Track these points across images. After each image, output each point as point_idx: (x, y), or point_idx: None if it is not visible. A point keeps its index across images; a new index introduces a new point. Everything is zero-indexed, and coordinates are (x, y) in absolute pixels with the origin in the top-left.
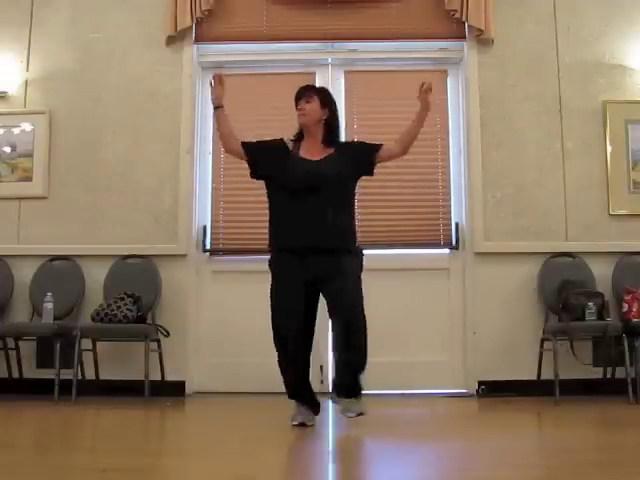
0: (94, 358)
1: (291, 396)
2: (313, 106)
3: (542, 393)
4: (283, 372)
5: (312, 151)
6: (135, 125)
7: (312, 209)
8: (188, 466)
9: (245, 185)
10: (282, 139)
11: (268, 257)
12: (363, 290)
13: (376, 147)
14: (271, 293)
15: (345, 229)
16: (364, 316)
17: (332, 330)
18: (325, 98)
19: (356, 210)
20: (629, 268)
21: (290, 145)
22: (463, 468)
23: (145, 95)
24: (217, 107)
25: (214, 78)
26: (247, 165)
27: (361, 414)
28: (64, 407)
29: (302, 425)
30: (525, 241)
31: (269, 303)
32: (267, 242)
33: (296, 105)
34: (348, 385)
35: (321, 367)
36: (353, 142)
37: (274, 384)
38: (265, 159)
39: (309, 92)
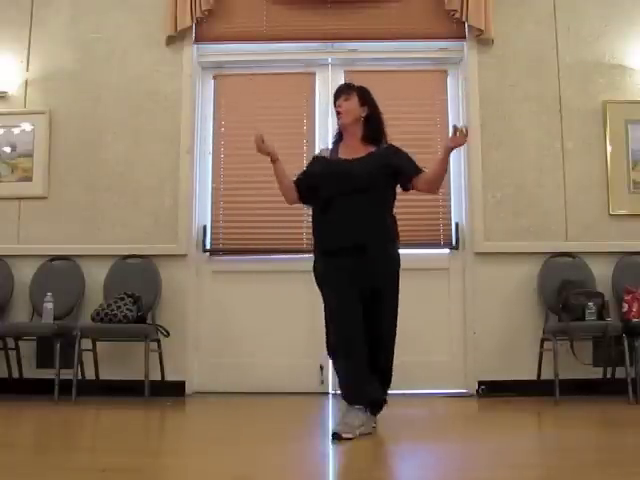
0: (94, 358)
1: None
2: (351, 104)
3: (542, 393)
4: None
5: (351, 150)
6: (135, 125)
7: (347, 211)
8: (188, 466)
9: (245, 185)
10: (315, 155)
11: (268, 256)
12: None
13: (416, 173)
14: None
15: (378, 228)
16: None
17: None
18: (364, 95)
19: None
20: (629, 268)
21: (326, 153)
22: (463, 468)
23: (145, 95)
24: (274, 161)
25: (255, 141)
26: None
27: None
28: (64, 407)
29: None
30: (525, 241)
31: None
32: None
33: (334, 104)
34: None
35: (321, 367)
36: (400, 152)
37: (274, 384)
38: (310, 183)
39: (348, 89)
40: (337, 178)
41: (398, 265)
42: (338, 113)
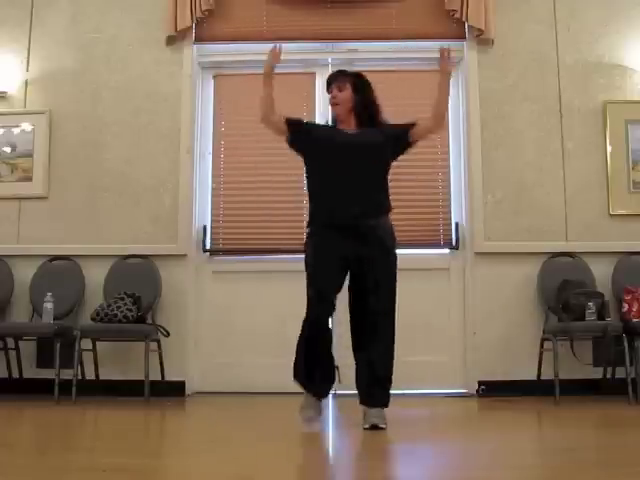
0: (94, 358)
1: (302, 376)
2: (346, 94)
3: (542, 393)
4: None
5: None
6: (135, 125)
7: (350, 181)
8: (188, 466)
9: (245, 185)
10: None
11: (268, 256)
12: None
13: (410, 126)
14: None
15: (380, 202)
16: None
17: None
18: (357, 83)
19: None
20: (629, 268)
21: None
22: (463, 468)
23: (145, 95)
24: (269, 76)
25: (274, 51)
26: (284, 136)
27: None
28: (64, 407)
29: (311, 420)
30: (525, 241)
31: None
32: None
33: (327, 89)
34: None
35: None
36: (389, 124)
37: (274, 384)
38: (305, 133)
39: (341, 77)
40: (342, 143)
41: (394, 247)
42: (333, 104)
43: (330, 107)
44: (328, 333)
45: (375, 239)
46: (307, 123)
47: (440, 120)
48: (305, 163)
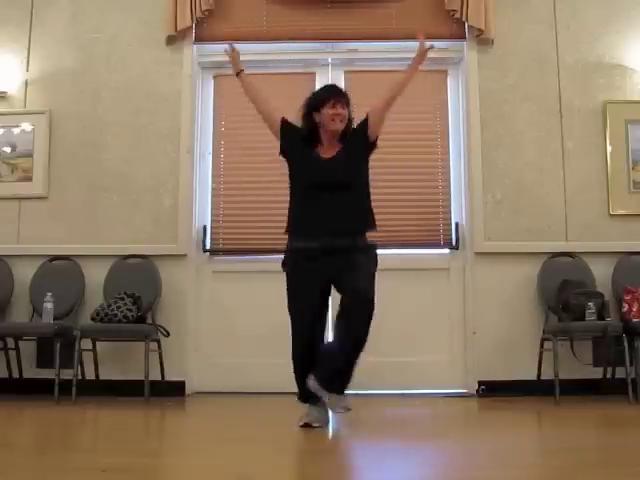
0: (94, 358)
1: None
2: (346, 112)
3: (542, 393)
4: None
5: (328, 149)
6: (135, 125)
7: (328, 207)
8: (188, 466)
9: (245, 185)
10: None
11: (268, 256)
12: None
13: (364, 121)
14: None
15: (362, 220)
16: (373, 307)
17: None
18: (349, 102)
19: None
20: (629, 268)
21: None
22: (463, 468)
23: (145, 95)
24: (237, 73)
25: (227, 52)
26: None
27: (349, 409)
28: (64, 407)
29: (307, 426)
30: (525, 241)
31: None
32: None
33: (327, 103)
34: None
35: None
36: (353, 130)
37: (274, 384)
38: (293, 145)
39: (344, 98)
40: (321, 174)
41: (374, 258)
42: (339, 120)
43: (329, 123)
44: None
45: (351, 255)
46: (296, 132)
47: (398, 93)
48: (289, 174)
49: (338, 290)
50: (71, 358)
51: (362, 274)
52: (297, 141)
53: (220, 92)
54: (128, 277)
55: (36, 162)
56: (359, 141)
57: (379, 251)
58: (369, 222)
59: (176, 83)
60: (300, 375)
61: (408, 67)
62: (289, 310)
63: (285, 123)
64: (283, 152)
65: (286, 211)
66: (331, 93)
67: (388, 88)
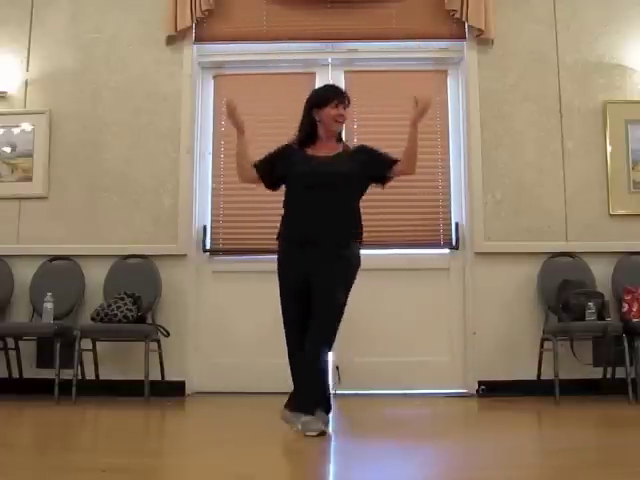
0: (94, 358)
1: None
2: (348, 112)
3: (542, 393)
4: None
5: (325, 148)
6: (135, 125)
7: (319, 205)
8: (188, 466)
9: (245, 185)
10: (287, 144)
11: (268, 256)
12: (363, 290)
13: (393, 162)
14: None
15: (348, 227)
16: (339, 320)
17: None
18: (349, 104)
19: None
20: (629, 268)
21: (296, 146)
22: (463, 468)
23: (145, 95)
24: (241, 133)
25: (226, 106)
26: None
27: (323, 432)
28: (64, 407)
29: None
30: (525, 241)
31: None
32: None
33: (330, 103)
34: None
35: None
36: (371, 149)
37: (274, 384)
38: (276, 166)
39: (347, 99)
40: (317, 172)
41: (357, 263)
42: (341, 121)
43: (331, 124)
44: None
45: (336, 257)
46: (276, 155)
47: (412, 170)
48: (285, 186)
49: (310, 292)
50: (71, 358)
51: (336, 280)
52: (277, 160)
53: (220, 92)
54: (128, 277)
55: (36, 162)
56: (374, 164)
57: (378, 251)
58: (353, 232)
59: (176, 83)
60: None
61: (409, 137)
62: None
63: (258, 164)
64: (275, 184)
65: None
66: (335, 94)
67: (402, 159)
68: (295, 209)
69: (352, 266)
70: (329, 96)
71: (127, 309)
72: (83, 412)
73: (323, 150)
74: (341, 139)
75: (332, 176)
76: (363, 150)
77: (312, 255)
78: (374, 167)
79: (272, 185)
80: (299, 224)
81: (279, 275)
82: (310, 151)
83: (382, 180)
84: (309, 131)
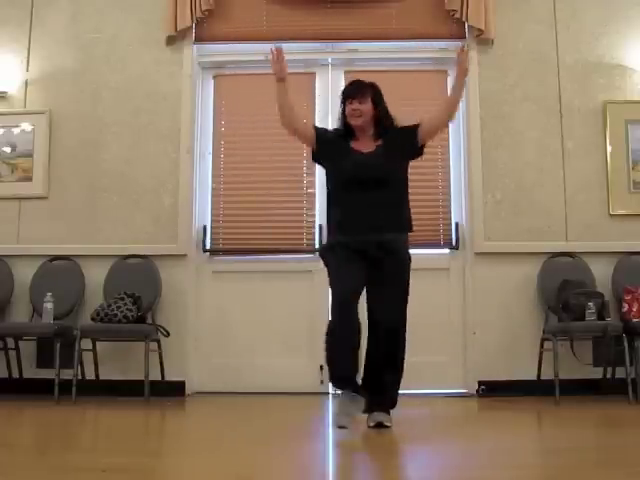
0: (94, 358)
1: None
2: (367, 106)
3: (542, 393)
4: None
5: (363, 144)
6: (135, 125)
7: (367, 202)
8: (188, 466)
9: (245, 185)
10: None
11: (268, 256)
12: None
13: (415, 128)
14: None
15: (398, 218)
16: (404, 337)
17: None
18: (377, 96)
19: None
20: (629, 268)
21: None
22: (463, 467)
23: (145, 95)
24: (279, 80)
25: (272, 53)
26: (309, 146)
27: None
28: (64, 407)
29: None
30: (525, 241)
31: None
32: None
33: (347, 101)
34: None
35: (321, 367)
36: (398, 129)
37: (274, 384)
38: (327, 148)
39: (362, 89)
40: (358, 169)
41: (409, 259)
42: (356, 116)
43: (349, 118)
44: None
45: (390, 250)
46: (329, 134)
47: (451, 115)
48: (326, 173)
49: (367, 301)
50: (71, 358)
51: (393, 296)
52: (331, 142)
53: (220, 92)
54: (128, 277)
55: (36, 162)
56: (404, 142)
57: None
58: (405, 223)
59: (176, 83)
60: (337, 347)
61: (452, 88)
62: (331, 285)
63: (318, 130)
64: (317, 159)
65: (286, 212)
66: (347, 89)
67: (439, 108)
68: (347, 209)
69: (408, 263)
70: (343, 93)
71: (127, 309)
72: (83, 412)
73: (361, 146)
74: (384, 133)
75: (377, 172)
76: (393, 134)
77: (371, 255)
78: (404, 144)
79: (316, 158)
80: (354, 224)
81: (336, 261)
82: (352, 144)
83: (417, 150)
84: (342, 131)
